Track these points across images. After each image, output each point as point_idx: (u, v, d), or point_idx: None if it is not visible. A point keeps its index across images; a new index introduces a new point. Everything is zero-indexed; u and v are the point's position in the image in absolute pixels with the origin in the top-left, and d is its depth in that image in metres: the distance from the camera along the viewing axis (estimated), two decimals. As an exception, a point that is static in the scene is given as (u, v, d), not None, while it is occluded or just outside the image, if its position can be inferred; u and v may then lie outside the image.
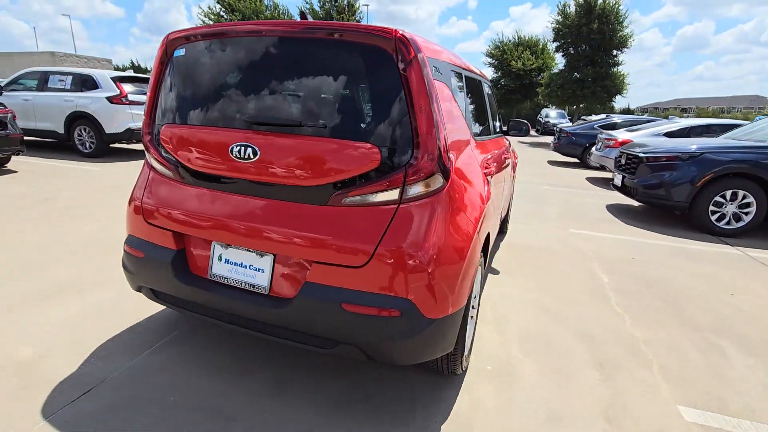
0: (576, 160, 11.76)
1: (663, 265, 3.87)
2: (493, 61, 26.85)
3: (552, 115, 23.08)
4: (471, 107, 2.33)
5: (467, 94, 2.21)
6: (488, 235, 2.17)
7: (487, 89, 2.83)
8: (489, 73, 30.58)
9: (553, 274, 3.51)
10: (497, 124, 3.62)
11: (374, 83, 1.54)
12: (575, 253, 4.05)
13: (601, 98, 19.49)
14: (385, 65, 1.52)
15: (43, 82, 8.11)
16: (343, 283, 1.54)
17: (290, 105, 1.63)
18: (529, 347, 2.40)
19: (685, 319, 2.84)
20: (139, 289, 2.00)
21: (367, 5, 26.26)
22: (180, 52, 1.84)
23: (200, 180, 1.79)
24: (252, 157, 1.63)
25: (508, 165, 3.33)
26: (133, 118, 7.84)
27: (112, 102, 7.67)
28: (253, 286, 1.69)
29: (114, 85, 7.78)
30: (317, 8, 22.38)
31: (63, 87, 7.95)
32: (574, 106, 21.63)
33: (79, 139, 7.94)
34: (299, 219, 1.60)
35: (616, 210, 6.07)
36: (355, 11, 22.41)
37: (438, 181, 1.57)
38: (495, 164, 2.56)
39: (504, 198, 3.37)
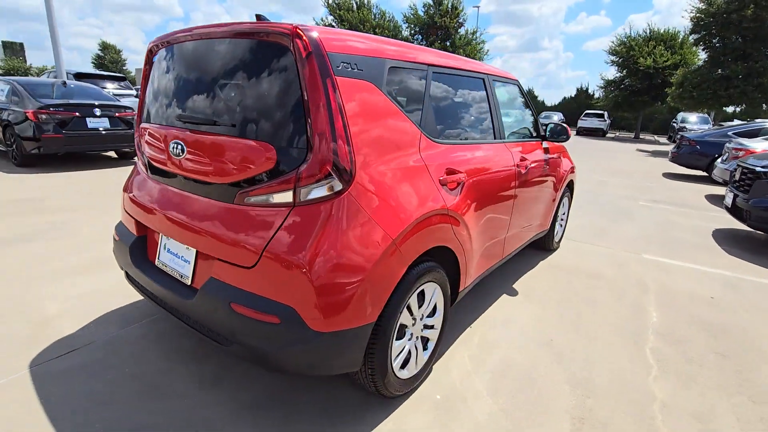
0: (702, 173, 9.84)
1: (750, 310, 3.01)
2: (617, 58, 23.84)
3: (692, 120, 19.61)
4: (441, 107, 2.11)
5: (432, 93, 2.00)
6: (447, 248, 1.94)
7: (490, 89, 2.52)
8: (612, 72, 27.28)
9: (585, 304, 2.99)
10: (524, 127, 3.23)
11: (275, 81, 1.50)
12: (631, 283, 3.39)
13: (753, 99, 15.83)
14: (285, 62, 1.46)
15: None
16: (237, 283, 1.54)
17: (211, 104, 1.68)
18: (500, 384, 2.08)
19: (742, 383, 2.17)
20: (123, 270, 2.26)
21: (478, 6, 25.59)
22: (155, 56, 2.03)
23: (154, 174, 1.95)
24: (181, 154, 1.73)
25: (532, 174, 2.93)
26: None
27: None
28: (182, 276, 1.78)
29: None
30: (421, 12, 22.55)
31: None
32: (714, 110, 18.06)
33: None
34: (212, 216, 1.64)
35: (723, 237, 4.91)
36: (458, 13, 22.01)
37: (334, 184, 1.46)
38: (487, 172, 2.28)
39: (528, 211, 2.99)
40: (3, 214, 4.28)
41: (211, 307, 1.56)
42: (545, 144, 3.37)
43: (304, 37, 1.43)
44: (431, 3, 22.67)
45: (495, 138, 2.55)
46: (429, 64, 1.98)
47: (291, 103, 1.45)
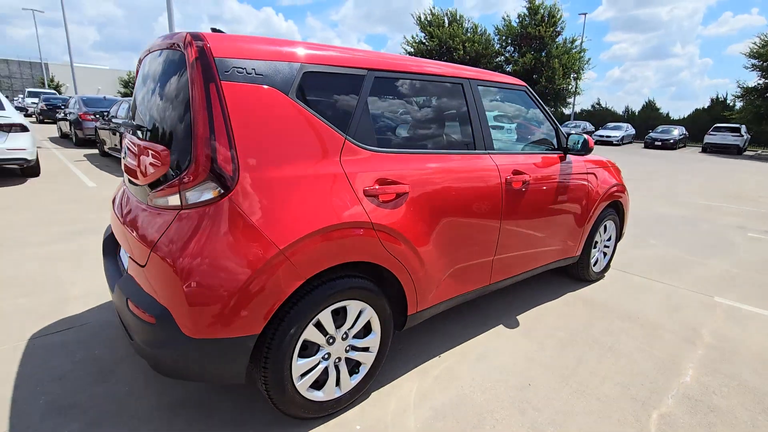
0: None
1: None
2: (760, 62, 19.98)
3: None
4: (385, 113, 1.95)
5: (372, 99, 1.86)
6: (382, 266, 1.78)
7: (471, 95, 2.26)
8: (754, 79, 22.92)
9: (597, 350, 2.49)
10: (539, 139, 2.85)
11: (175, 87, 1.54)
12: (678, 331, 2.74)
13: None
14: (182, 69, 1.50)
15: None
16: (137, 280, 1.60)
17: (145, 111, 1.79)
18: (437, 426, 1.83)
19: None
20: None
21: (584, 14, 23.60)
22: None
23: (124, 176, 2.15)
24: (125, 157, 1.88)
25: (538, 191, 2.56)
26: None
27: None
28: (122, 272, 1.92)
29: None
30: (515, 23, 21.63)
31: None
32: None
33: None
34: (134, 216, 1.75)
35: None
36: (555, 22, 20.58)
37: (212, 190, 1.44)
38: (450, 185, 2.05)
39: (534, 232, 2.62)
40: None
41: (119, 302, 1.65)
42: (570, 158, 2.94)
43: (193, 44, 1.46)
44: (526, 13, 21.68)
45: (475, 149, 2.29)
46: (370, 69, 1.86)
47: (183, 108, 1.49)
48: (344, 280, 1.71)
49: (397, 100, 2.04)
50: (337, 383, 1.83)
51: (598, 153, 3.98)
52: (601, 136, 21.96)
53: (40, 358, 2.18)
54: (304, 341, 1.66)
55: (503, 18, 22.37)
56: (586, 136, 2.80)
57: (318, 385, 1.78)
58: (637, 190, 8.23)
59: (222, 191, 1.45)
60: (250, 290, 1.44)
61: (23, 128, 6.29)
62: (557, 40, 21.52)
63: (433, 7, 23.21)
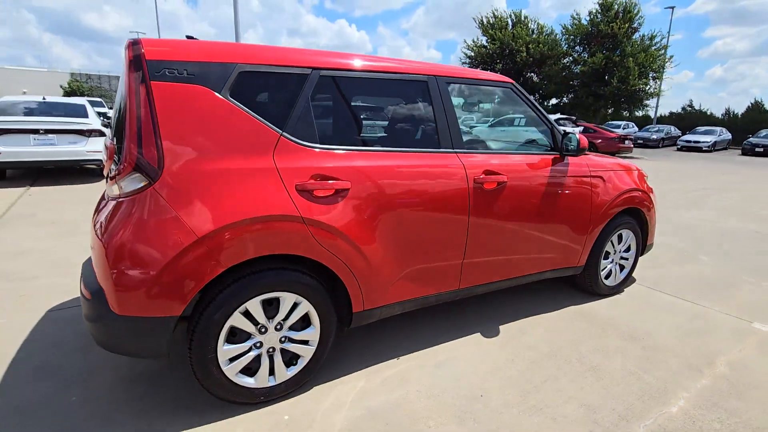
0: None
1: None
2: None
3: None
4: (329, 111, 1.96)
5: (316, 96, 1.90)
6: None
7: (437, 92, 2.19)
8: None
9: (576, 369, 2.27)
10: (527, 139, 2.68)
11: (122, 88, 1.71)
12: (687, 357, 2.40)
13: None
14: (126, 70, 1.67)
15: None
16: (92, 262, 1.79)
17: (115, 112, 2.00)
18: (361, 426, 1.80)
19: None
20: None
21: (672, 7, 21.32)
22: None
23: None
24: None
25: (519, 194, 2.42)
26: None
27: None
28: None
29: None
30: (585, 21, 20.19)
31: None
32: None
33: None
34: (99, 206, 1.96)
35: None
36: (632, 17, 18.84)
37: (139, 180, 1.58)
38: (400, 183, 2.02)
39: (518, 238, 2.47)
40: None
41: (81, 282, 1.86)
42: (570, 160, 2.73)
43: (130, 49, 1.61)
44: (598, 9, 20.19)
45: (439, 147, 2.22)
46: (315, 67, 1.90)
47: (124, 106, 1.65)
48: (274, 272, 1.76)
49: (348, 98, 2.06)
50: (272, 373, 1.88)
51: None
52: (688, 141, 19.65)
53: (48, 328, 2.51)
54: (232, 327, 1.74)
55: (572, 16, 21.05)
56: (579, 135, 2.58)
57: (251, 372, 1.85)
58: (703, 201, 7.31)
59: (147, 182, 1.58)
60: (169, 274, 1.56)
61: (101, 133, 7.23)
62: (634, 37, 19.75)
63: (496, 9, 22.51)
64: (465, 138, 2.39)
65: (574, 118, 15.46)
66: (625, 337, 2.61)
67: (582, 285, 3.18)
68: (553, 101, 25.80)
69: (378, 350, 2.38)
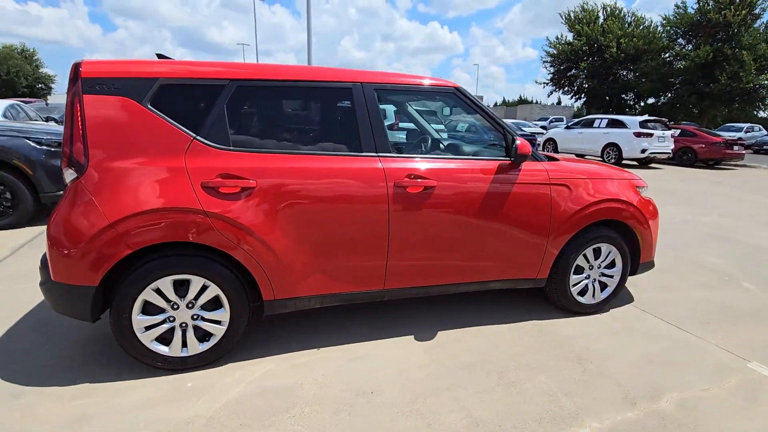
0: None
1: None
2: None
3: None
4: (246, 117, 2.15)
5: (232, 104, 2.11)
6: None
7: (361, 99, 2.27)
8: None
9: (491, 383, 2.18)
10: (469, 143, 2.60)
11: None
12: (623, 388, 2.16)
13: None
14: (77, 86, 2.06)
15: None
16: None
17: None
18: (249, 400, 1.98)
19: None
20: None
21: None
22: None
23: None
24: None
25: (448, 199, 2.40)
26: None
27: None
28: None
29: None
30: (691, 10, 17.55)
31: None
32: None
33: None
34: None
35: None
36: (752, 3, 15.88)
37: (71, 174, 1.95)
38: (309, 184, 2.17)
39: (454, 243, 2.46)
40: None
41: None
42: (527, 165, 2.60)
43: (72, 68, 1.99)
44: (708, -5, 17.53)
45: (361, 151, 2.30)
46: (233, 79, 2.13)
47: (65, 115, 2.04)
48: (180, 257, 2.04)
49: (265, 106, 2.25)
50: (185, 345, 2.16)
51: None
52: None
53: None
54: (145, 301, 2.05)
55: (676, 6, 18.35)
56: (519, 141, 2.45)
57: (166, 342, 2.14)
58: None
59: (77, 175, 1.95)
60: (87, 250, 1.91)
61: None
62: (755, 25, 16.74)
63: (586, 3, 20.70)
64: (413, 141, 2.45)
65: (666, 120, 13.68)
66: (570, 358, 2.42)
67: (551, 300, 2.98)
68: (650, 100, 22.98)
69: (304, 339, 2.53)
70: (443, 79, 2.59)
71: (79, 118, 1.95)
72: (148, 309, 2.08)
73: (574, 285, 2.88)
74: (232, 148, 2.12)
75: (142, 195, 1.96)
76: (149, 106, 2.02)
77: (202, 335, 2.20)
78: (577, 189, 2.72)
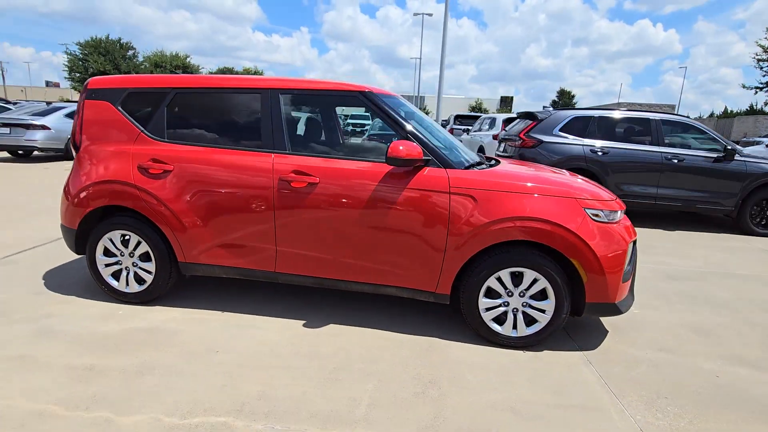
0: None
1: None
2: None
3: None
4: (180, 116, 2.76)
5: (171, 106, 2.76)
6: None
7: (270, 103, 2.62)
8: None
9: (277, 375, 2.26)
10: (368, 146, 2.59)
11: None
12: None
13: None
14: (93, 95, 3.03)
15: None
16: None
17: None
18: (128, 333, 2.58)
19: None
20: None
21: None
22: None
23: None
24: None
25: (328, 198, 2.53)
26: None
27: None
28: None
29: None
30: None
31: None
32: None
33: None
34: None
35: None
36: None
37: (74, 153, 2.90)
38: (210, 171, 2.66)
39: (339, 238, 2.60)
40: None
41: None
42: (429, 171, 2.51)
43: (85, 83, 2.94)
44: None
45: (261, 148, 2.65)
46: (173, 87, 2.77)
47: (77, 114, 3.02)
48: (124, 218, 2.80)
49: (194, 108, 2.81)
50: (128, 284, 2.91)
51: None
52: None
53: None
54: (105, 247, 2.87)
55: None
56: (392, 144, 2.36)
57: (116, 278, 2.93)
58: None
59: (77, 153, 2.89)
60: (70, 204, 2.84)
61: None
62: None
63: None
64: (319, 141, 2.73)
65: None
66: (422, 379, 2.25)
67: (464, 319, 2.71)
68: None
69: (222, 303, 3.02)
70: (351, 83, 2.71)
71: (80, 117, 2.89)
72: (108, 251, 2.91)
73: (487, 309, 2.57)
74: (165, 140, 2.77)
75: (102, 169, 2.79)
76: (119, 108, 2.84)
77: (140, 280, 2.92)
78: (487, 202, 2.44)
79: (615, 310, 2.51)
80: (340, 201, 2.55)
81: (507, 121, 9.82)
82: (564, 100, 49.04)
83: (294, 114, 2.72)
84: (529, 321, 2.57)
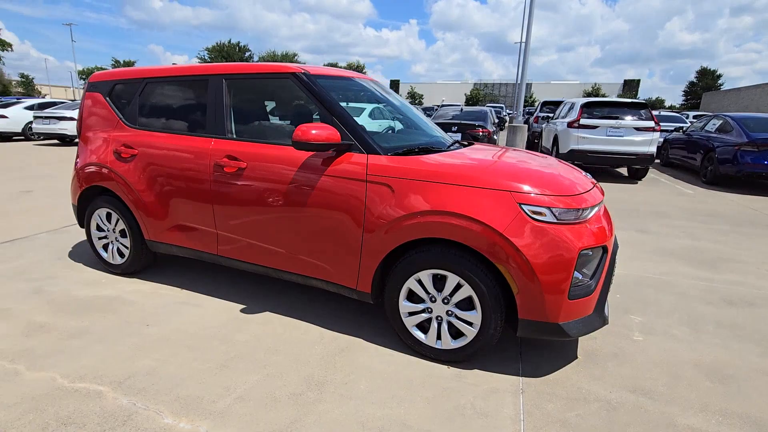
0: None
1: None
2: None
3: None
4: (147, 104, 2.92)
5: (142, 95, 2.95)
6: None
7: (215, 89, 2.66)
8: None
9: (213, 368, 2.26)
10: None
11: (103, 96, 3.47)
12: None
13: None
14: (99, 88, 3.42)
15: None
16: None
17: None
18: (90, 300, 2.88)
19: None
20: None
21: None
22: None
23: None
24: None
25: (253, 183, 2.49)
26: (578, 140, 8.30)
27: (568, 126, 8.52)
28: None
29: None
30: None
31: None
32: None
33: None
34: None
35: None
36: None
37: (78, 139, 3.33)
38: (162, 155, 2.83)
39: (262, 222, 2.57)
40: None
41: None
42: (355, 157, 2.30)
43: (89, 78, 3.32)
44: None
45: (205, 133, 2.71)
46: (144, 77, 2.98)
47: (83, 105, 3.43)
48: (104, 196, 3.13)
49: (160, 96, 2.96)
50: (120, 255, 3.26)
51: None
52: None
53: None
54: (97, 223, 3.26)
55: None
56: (312, 126, 2.17)
57: (106, 249, 3.30)
58: None
59: (78, 140, 3.31)
60: (73, 182, 3.27)
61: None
62: None
63: None
64: (258, 125, 2.74)
65: None
66: (311, 379, 2.09)
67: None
68: None
69: (187, 281, 3.20)
70: (285, 64, 2.58)
71: (81, 107, 3.30)
72: (99, 226, 3.29)
73: (410, 314, 2.28)
74: (137, 126, 3.02)
75: (90, 154, 3.15)
76: (107, 98, 3.16)
77: (121, 254, 3.25)
78: (405, 192, 2.15)
79: (558, 331, 2.02)
80: (265, 187, 2.49)
81: (589, 107, 8.58)
82: (705, 81, 40.91)
83: (234, 99, 2.71)
84: (456, 333, 2.22)
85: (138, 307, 2.79)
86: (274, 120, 2.95)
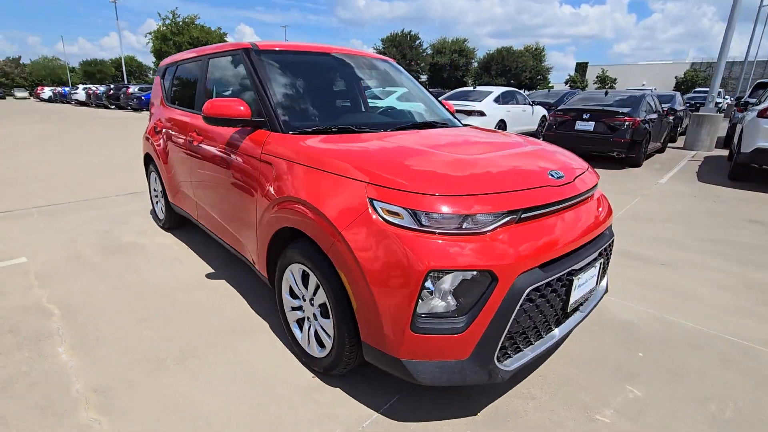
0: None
1: None
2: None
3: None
4: (178, 85, 3.32)
5: (178, 75, 3.39)
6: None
7: (204, 68, 2.85)
8: None
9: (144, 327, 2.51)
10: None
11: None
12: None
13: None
14: (170, 72, 4.09)
15: None
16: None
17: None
18: (63, 274, 3.52)
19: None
20: None
21: None
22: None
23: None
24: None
25: (203, 154, 2.64)
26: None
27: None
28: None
29: None
30: None
31: None
32: None
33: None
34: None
35: None
36: None
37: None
38: (171, 129, 3.21)
39: (215, 196, 2.69)
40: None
41: None
42: (269, 136, 2.17)
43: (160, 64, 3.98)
44: None
45: (194, 110, 2.97)
46: (177, 61, 3.41)
47: (164, 86, 4.11)
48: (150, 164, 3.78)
49: (183, 77, 3.33)
50: (161, 211, 3.93)
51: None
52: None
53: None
54: (151, 182, 3.97)
55: None
56: (213, 100, 2.12)
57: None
58: None
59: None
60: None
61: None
62: None
63: None
64: None
65: None
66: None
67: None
68: None
69: (194, 236, 3.61)
70: (239, 42, 2.57)
71: (157, 87, 4.00)
72: (152, 186, 4.00)
73: (292, 309, 2.08)
74: (169, 105, 3.51)
75: (147, 126, 3.82)
76: (162, 80, 3.76)
77: (160, 211, 3.88)
78: (280, 175, 1.96)
79: (401, 369, 1.54)
80: (208, 159, 2.63)
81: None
82: None
83: (215, 76, 2.87)
84: (320, 341, 1.92)
85: (142, 255, 3.31)
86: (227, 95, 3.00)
